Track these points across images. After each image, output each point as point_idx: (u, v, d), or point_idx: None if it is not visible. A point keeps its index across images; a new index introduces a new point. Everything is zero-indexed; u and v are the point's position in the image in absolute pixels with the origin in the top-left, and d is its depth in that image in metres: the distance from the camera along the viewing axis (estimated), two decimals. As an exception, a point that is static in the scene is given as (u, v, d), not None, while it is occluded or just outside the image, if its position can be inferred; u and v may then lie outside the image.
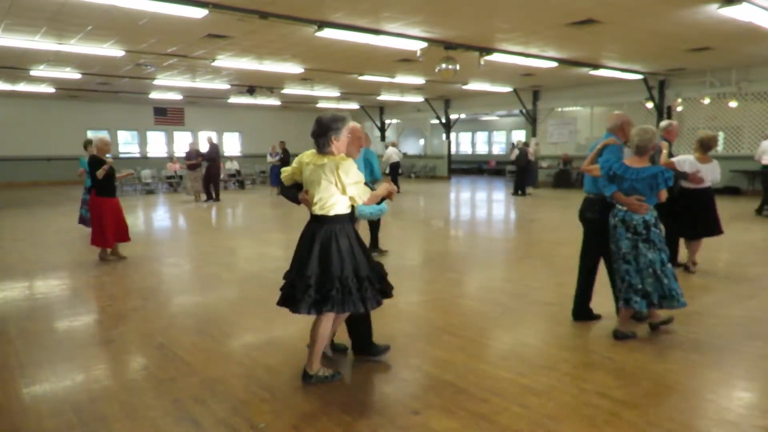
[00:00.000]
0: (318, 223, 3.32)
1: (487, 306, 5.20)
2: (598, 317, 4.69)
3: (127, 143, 24.70)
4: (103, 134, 7.47)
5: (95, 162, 6.94)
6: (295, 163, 3.48)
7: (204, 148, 15.58)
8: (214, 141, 15.76)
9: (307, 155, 3.42)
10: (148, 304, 5.33)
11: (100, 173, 6.87)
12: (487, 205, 15.05)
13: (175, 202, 15.41)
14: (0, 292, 5.78)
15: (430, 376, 3.58)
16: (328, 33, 9.33)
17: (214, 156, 15.12)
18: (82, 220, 9.24)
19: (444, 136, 24.57)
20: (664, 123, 6.27)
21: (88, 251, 8.03)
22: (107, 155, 7.14)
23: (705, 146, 6.02)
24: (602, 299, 4.89)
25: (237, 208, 14.47)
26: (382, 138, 27.54)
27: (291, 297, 3.34)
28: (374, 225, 7.54)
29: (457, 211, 13.47)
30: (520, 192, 16.40)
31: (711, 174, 6.04)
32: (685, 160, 5.96)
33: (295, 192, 3.48)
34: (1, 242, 8.77)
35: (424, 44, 10.46)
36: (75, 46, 10.83)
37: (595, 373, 3.57)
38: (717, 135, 6.70)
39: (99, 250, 7.31)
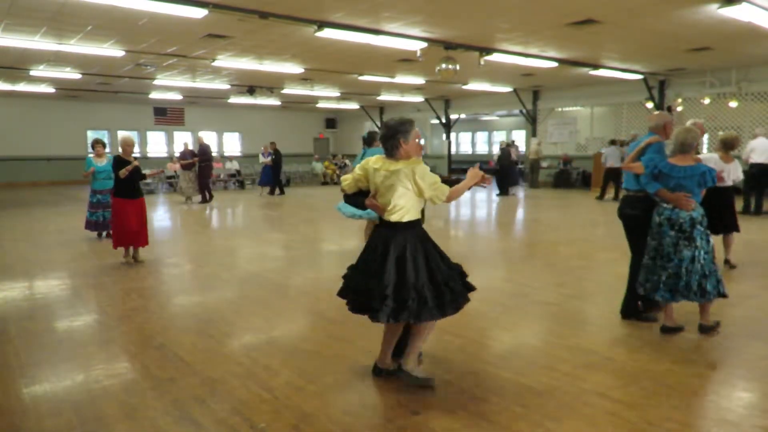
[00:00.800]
0: (392, 229, 3.25)
1: (487, 306, 5.20)
2: (652, 319, 4.56)
3: (127, 143, 24.69)
4: (129, 134, 7.27)
5: (120, 162, 6.80)
6: (359, 170, 3.40)
7: (201, 148, 15.39)
8: (205, 141, 15.60)
9: (375, 161, 3.33)
10: (148, 304, 5.33)
11: (123, 173, 6.72)
12: (487, 205, 15.05)
13: (175, 202, 15.41)
14: (0, 292, 5.78)
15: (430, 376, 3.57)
16: (328, 33, 9.33)
17: (207, 156, 14.99)
18: (92, 225, 8.89)
19: (444, 136, 24.57)
20: (689, 123, 6.32)
21: (88, 251, 8.04)
22: (132, 155, 7.00)
23: (727, 146, 6.14)
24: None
25: (237, 208, 14.48)
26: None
27: (368, 306, 3.24)
28: None
29: (456, 211, 13.47)
30: (504, 192, 16.77)
31: (733, 173, 6.16)
32: (710, 159, 6.06)
33: (361, 199, 3.41)
34: (1, 242, 8.77)
35: (424, 44, 10.46)
36: (75, 46, 10.83)
37: (595, 373, 3.57)
38: (739, 135, 6.81)
39: (119, 252, 7.15)
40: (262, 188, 17.65)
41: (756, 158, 10.75)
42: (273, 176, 17.18)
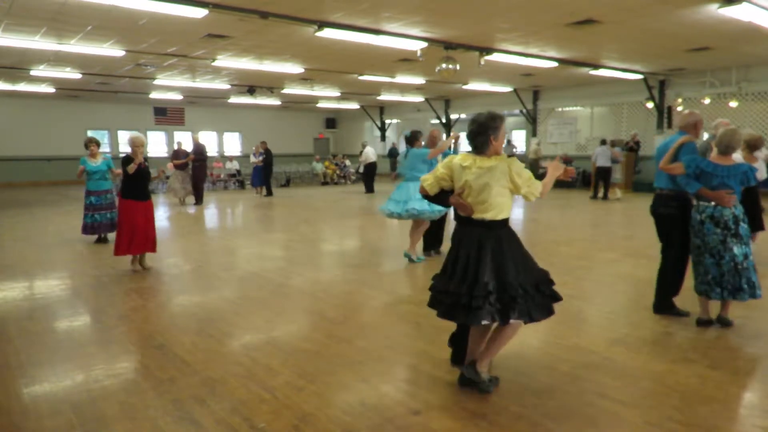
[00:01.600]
0: (486, 228, 3.15)
1: (487, 306, 5.20)
2: (684, 314, 4.66)
3: (127, 143, 24.69)
4: (138, 134, 6.91)
5: (129, 162, 6.48)
6: (443, 169, 3.29)
7: (195, 147, 14.77)
8: (200, 140, 15.11)
9: (462, 159, 3.23)
10: (148, 304, 5.33)
11: (131, 168, 6.39)
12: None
13: (170, 203, 15.39)
14: (0, 292, 5.78)
15: (430, 376, 3.58)
16: (328, 33, 9.33)
17: (202, 155, 14.54)
18: (89, 228, 8.50)
19: (444, 136, 24.56)
20: (716, 123, 6.33)
21: (88, 251, 8.04)
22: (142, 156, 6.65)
23: (751, 146, 6.19)
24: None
25: (236, 208, 14.47)
26: (383, 138, 27.54)
27: (462, 307, 3.09)
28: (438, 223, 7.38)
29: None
30: None
31: (758, 173, 6.25)
32: (736, 159, 6.12)
33: (445, 197, 3.31)
34: (1, 242, 8.77)
35: (424, 44, 10.46)
36: (75, 46, 10.83)
37: (595, 373, 3.57)
38: (762, 135, 6.89)
39: (126, 258, 6.79)
40: (257, 189, 17.30)
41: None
42: (264, 176, 16.80)
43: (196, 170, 14.48)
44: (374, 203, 15.04)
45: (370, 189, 17.78)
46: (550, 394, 3.26)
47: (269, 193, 16.95)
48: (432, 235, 7.47)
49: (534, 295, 3.10)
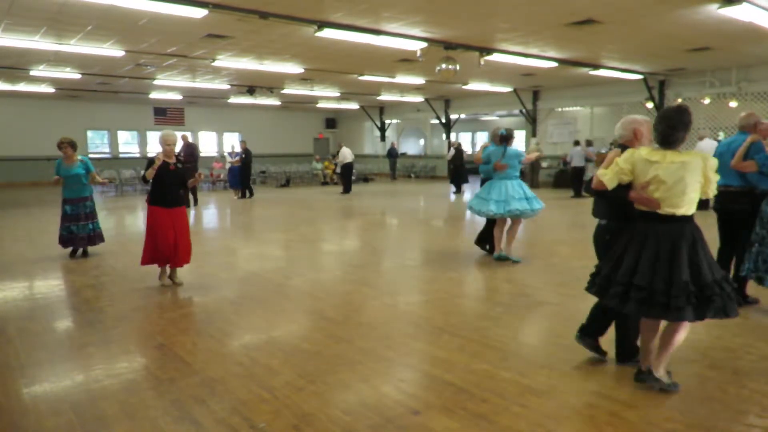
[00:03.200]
0: (677, 223, 3.11)
1: (487, 306, 5.21)
2: (753, 301, 5.05)
3: (127, 143, 24.71)
4: (167, 130, 6.03)
5: (152, 162, 5.81)
6: (624, 163, 3.22)
7: (186, 148, 13.87)
8: (191, 140, 14.28)
9: (649, 153, 3.17)
10: (148, 304, 5.33)
11: (150, 173, 5.72)
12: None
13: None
14: (0, 292, 5.78)
15: (430, 376, 3.58)
16: (328, 33, 9.33)
17: (194, 157, 13.71)
18: (63, 240, 7.48)
19: (444, 136, 24.56)
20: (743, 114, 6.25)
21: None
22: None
23: None
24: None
25: (236, 207, 14.46)
26: (382, 138, 27.54)
27: (659, 304, 3.06)
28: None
29: (456, 210, 13.47)
30: (457, 190, 17.64)
31: None
32: None
33: (622, 192, 3.26)
34: (1, 242, 8.77)
35: (424, 44, 10.46)
36: (75, 46, 10.82)
37: (595, 373, 3.57)
38: None
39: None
40: (234, 191, 16.52)
41: None
42: (241, 177, 16.10)
43: (188, 172, 13.91)
44: (354, 203, 15.05)
45: (347, 189, 17.79)
46: (550, 394, 3.26)
47: (250, 194, 16.28)
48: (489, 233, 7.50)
49: (729, 291, 3.10)
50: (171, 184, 5.85)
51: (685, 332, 3.25)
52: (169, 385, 3.44)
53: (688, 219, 3.13)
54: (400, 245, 8.68)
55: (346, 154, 17.95)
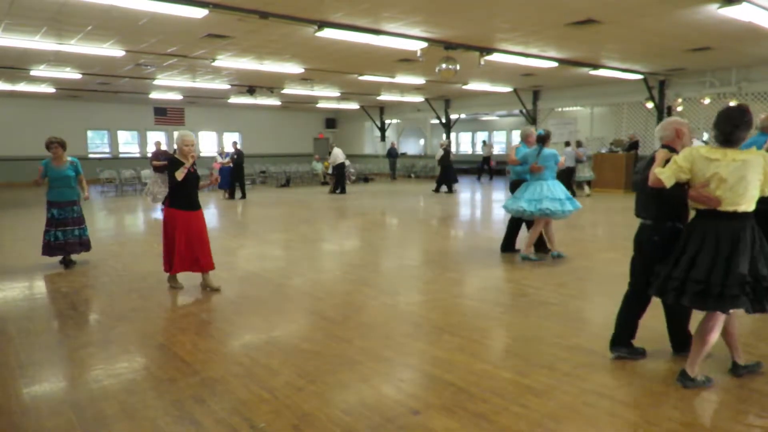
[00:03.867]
0: (738, 220, 3.17)
1: (487, 306, 5.20)
2: None
3: (127, 143, 24.71)
4: (185, 131, 5.77)
5: (175, 163, 5.59)
6: (683, 162, 3.26)
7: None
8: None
9: (708, 151, 3.22)
10: (148, 304, 5.33)
11: (180, 173, 5.51)
12: (486, 204, 15.05)
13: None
14: (0, 292, 5.78)
15: (430, 376, 3.58)
16: (328, 33, 9.33)
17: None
18: (48, 248, 6.83)
19: (444, 136, 24.57)
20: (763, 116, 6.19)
21: (87, 252, 8.00)
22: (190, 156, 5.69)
23: None
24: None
25: (236, 207, 14.46)
26: (382, 138, 27.54)
27: (715, 296, 3.14)
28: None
29: (456, 211, 13.47)
30: (445, 189, 17.81)
31: None
32: None
33: (678, 190, 3.32)
34: (1, 242, 8.77)
35: (424, 44, 10.46)
36: (75, 46, 10.82)
37: (595, 373, 3.57)
38: None
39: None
40: (224, 192, 16.35)
41: None
42: (232, 178, 15.91)
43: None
44: (354, 203, 15.05)
45: (342, 190, 17.82)
46: (550, 394, 3.26)
47: (242, 195, 16.10)
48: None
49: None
50: (193, 187, 5.72)
51: (718, 332, 3.31)
52: (169, 385, 3.44)
53: (748, 216, 3.19)
54: (400, 245, 8.68)
55: (338, 155, 17.96)
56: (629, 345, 3.82)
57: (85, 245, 7.10)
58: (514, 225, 7.50)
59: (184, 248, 5.60)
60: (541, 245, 7.41)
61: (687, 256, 3.26)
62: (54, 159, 6.84)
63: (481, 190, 19.24)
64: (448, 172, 18.00)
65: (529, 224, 7.35)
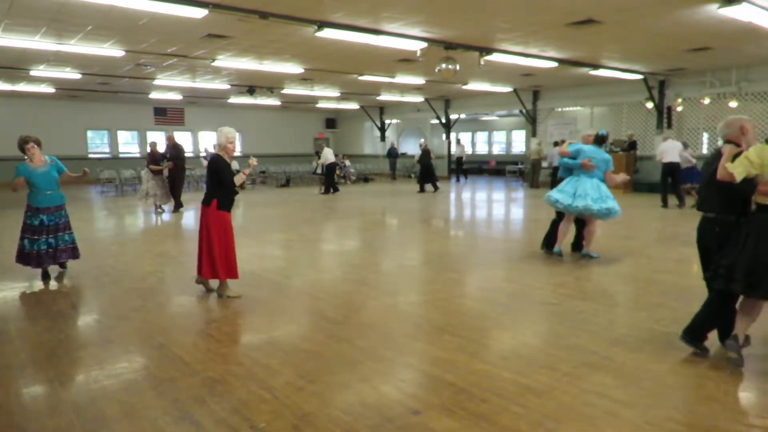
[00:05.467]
0: None
1: (487, 306, 5.20)
2: None
3: (127, 143, 24.71)
4: (228, 129, 5.29)
5: (222, 163, 5.25)
6: (755, 157, 3.45)
7: (171, 150, 13.06)
8: (177, 140, 13.58)
9: None
10: (148, 304, 5.33)
11: (240, 179, 5.31)
12: (487, 205, 15.05)
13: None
14: (0, 292, 5.78)
15: (430, 376, 3.58)
16: (328, 33, 9.33)
17: (180, 158, 13.02)
18: (33, 258, 6.27)
19: (444, 136, 24.57)
20: None
21: (87, 252, 8.00)
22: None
23: None
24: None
25: (236, 208, 14.47)
26: (382, 138, 27.54)
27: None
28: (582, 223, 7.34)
29: (456, 211, 13.47)
30: (428, 188, 18.13)
31: None
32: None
33: (747, 184, 3.51)
34: (1, 242, 8.77)
35: (424, 44, 10.46)
36: (75, 46, 10.82)
37: (595, 373, 3.57)
38: None
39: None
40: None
41: (666, 158, 12.50)
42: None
43: (173, 173, 12.76)
44: (354, 203, 15.05)
45: (335, 189, 17.84)
46: (550, 394, 3.26)
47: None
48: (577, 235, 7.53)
49: None
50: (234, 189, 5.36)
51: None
52: (169, 385, 3.44)
53: None
54: (400, 245, 8.68)
55: (328, 155, 17.98)
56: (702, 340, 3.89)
57: (75, 252, 6.62)
58: (558, 223, 7.28)
59: (234, 250, 5.45)
60: (578, 243, 7.45)
61: (748, 250, 3.46)
62: (30, 160, 6.27)
63: (465, 189, 19.23)
64: (429, 171, 18.34)
65: (578, 221, 7.29)
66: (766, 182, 3.44)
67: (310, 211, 13.28)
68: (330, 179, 17.90)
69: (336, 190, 17.86)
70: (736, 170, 3.46)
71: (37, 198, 6.33)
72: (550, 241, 7.40)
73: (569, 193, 6.86)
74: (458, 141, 24.10)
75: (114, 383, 3.48)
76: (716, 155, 3.75)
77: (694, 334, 3.84)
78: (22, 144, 6.20)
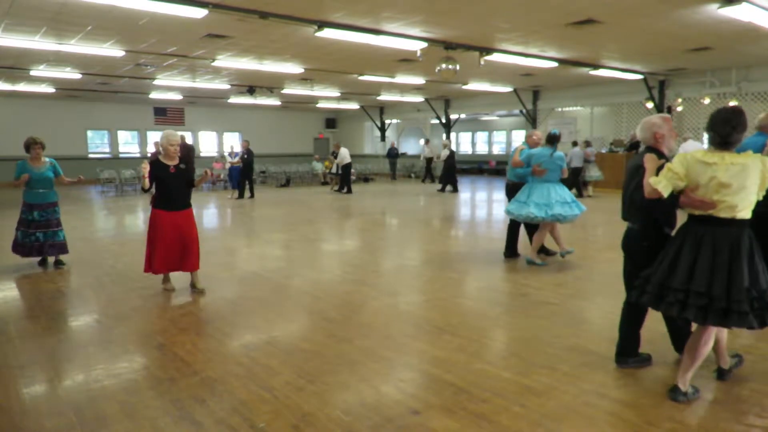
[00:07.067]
0: (736, 227, 3.02)
1: (487, 306, 5.20)
2: None
3: (127, 143, 24.72)
4: (170, 131, 5.76)
5: (158, 165, 5.56)
6: (680, 167, 3.08)
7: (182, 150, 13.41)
8: (187, 141, 13.59)
9: (703, 155, 3.06)
10: (148, 304, 5.33)
11: (146, 183, 5.41)
12: (487, 205, 15.05)
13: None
14: (0, 292, 5.78)
15: (430, 376, 3.58)
16: (328, 33, 9.33)
17: (189, 159, 13.06)
18: (26, 249, 6.75)
19: (444, 136, 24.56)
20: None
21: (87, 252, 8.01)
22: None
23: None
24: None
25: (236, 207, 14.46)
26: (382, 138, 27.53)
27: (718, 310, 2.97)
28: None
29: (456, 211, 13.47)
30: (447, 188, 18.25)
31: None
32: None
33: (673, 198, 3.13)
34: (1, 242, 8.77)
35: (424, 44, 10.46)
36: (75, 46, 10.82)
37: (595, 373, 3.57)
38: None
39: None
40: (231, 192, 16.54)
41: None
42: (242, 177, 15.87)
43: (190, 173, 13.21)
44: (354, 203, 15.05)
45: (348, 189, 17.81)
46: (550, 394, 3.26)
47: (251, 195, 16.11)
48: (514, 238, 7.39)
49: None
50: (178, 187, 5.63)
51: (711, 344, 3.19)
52: (169, 385, 3.44)
53: (745, 222, 3.04)
54: (400, 245, 8.68)
55: (345, 155, 17.95)
56: (636, 354, 3.69)
57: (64, 248, 6.96)
58: (515, 229, 7.28)
59: (164, 248, 5.50)
60: (542, 248, 7.35)
61: (684, 265, 3.08)
62: (32, 159, 6.71)
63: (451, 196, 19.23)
64: (450, 172, 18.30)
65: (529, 227, 7.27)
66: (686, 193, 3.09)
67: (310, 211, 13.28)
68: (346, 179, 17.91)
69: (350, 190, 17.81)
70: (661, 185, 3.09)
71: (30, 194, 6.84)
72: (512, 248, 7.34)
73: (521, 202, 6.77)
74: (426, 141, 23.28)
75: (114, 383, 3.48)
76: (638, 166, 3.38)
77: (623, 352, 3.67)
78: (30, 144, 6.69)
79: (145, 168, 5.42)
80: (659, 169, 3.24)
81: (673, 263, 3.15)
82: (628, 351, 3.67)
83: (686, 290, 3.05)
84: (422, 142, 23.60)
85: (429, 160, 22.49)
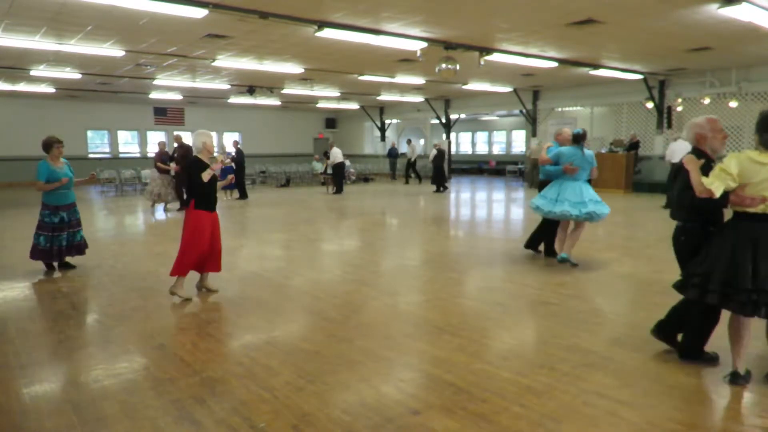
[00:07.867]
0: None
1: (487, 306, 5.20)
2: None
3: (127, 143, 24.72)
4: (206, 131, 5.64)
5: (199, 164, 5.41)
6: (733, 168, 3.21)
7: (180, 150, 12.98)
8: (185, 140, 13.34)
9: (757, 156, 3.21)
10: (148, 304, 5.33)
11: (206, 176, 5.31)
12: (486, 205, 15.05)
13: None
14: (0, 292, 5.78)
15: (430, 376, 3.58)
16: (328, 33, 9.33)
17: (187, 158, 12.27)
18: (45, 254, 6.58)
19: (444, 136, 24.57)
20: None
21: (87, 252, 7.99)
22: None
23: None
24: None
25: (235, 208, 14.46)
26: (382, 138, 27.53)
27: (751, 303, 3.19)
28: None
29: (456, 211, 13.47)
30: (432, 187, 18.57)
31: None
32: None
33: (725, 198, 3.26)
34: (1, 242, 8.77)
35: (424, 44, 10.46)
36: (75, 46, 10.83)
37: (595, 373, 3.57)
38: None
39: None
40: (226, 193, 16.36)
41: (676, 158, 12.10)
42: (238, 177, 15.40)
43: (179, 173, 12.64)
44: (354, 203, 15.04)
45: (339, 189, 17.78)
46: (550, 394, 3.26)
47: (244, 195, 15.89)
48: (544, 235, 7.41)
49: None
50: (215, 187, 5.56)
51: (750, 326, 3.37)
52: (169, 385, 3.44)
53: None
54: (400, 245, 8.68)
55: (337, 155, 17.94)
56: (703, 352, 3.73)
57: (82, 247, 6.91)
58: (551, 228, 7.16)
59: (208, 249, 5.47)
60: (548, 248, 7.35)
61: (746, 264, 3.20)
62: (52, 159, 6.53)
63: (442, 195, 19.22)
64: (439, 172, 18.55)
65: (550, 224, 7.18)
66: (736, 192, 3.22)
67: (310, 211, 13.28)
68: (337, 178, 17.88)
69: (340, 190, 17.79)
70: (714, 185, 3.21)
71: (55, 196, 6.61)
72: (533, 241, 7.43)
73: (551, 199, 6.73)
74: (409, 141, 23.07)
75: (114, 383, 3.48)
76: (680, 167, 3.50)
77: (692, 352, 3.72)
78: (53, 143, 6.54)
79: (219, 163, 5.52)
80: (704, 168, 3.36)
81: (733, 262, 3.26)
82: (699, 348, 3.72)
83: (757, 290, 3.18)
84: (405, 142, 23.84)
85: (410, 162, 22.71)
